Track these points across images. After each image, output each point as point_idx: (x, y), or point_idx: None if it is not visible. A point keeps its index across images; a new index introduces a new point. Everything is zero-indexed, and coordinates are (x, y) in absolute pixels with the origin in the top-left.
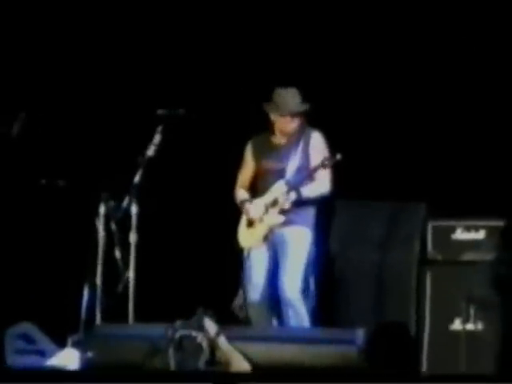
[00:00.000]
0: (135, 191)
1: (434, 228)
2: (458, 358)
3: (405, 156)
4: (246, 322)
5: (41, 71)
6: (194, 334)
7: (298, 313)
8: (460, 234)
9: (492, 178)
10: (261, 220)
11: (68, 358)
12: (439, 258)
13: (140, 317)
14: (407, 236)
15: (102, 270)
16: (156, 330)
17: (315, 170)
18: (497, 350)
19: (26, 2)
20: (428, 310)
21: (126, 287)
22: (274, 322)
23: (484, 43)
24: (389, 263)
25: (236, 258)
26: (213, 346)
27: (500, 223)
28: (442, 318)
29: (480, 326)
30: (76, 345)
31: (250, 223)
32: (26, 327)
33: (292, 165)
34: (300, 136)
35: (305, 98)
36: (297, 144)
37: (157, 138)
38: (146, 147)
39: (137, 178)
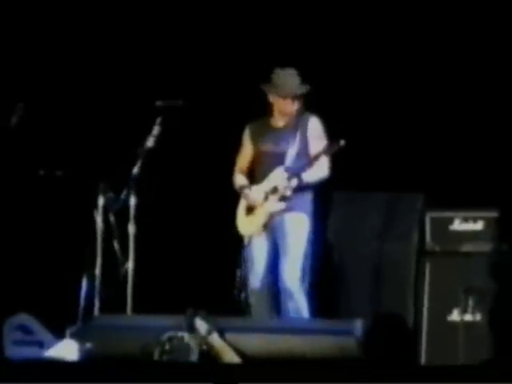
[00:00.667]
0: (134, 183)
1: (432, 219)
2: (456, 348)
3: (403, 147)
4: (246, 307)
5: (39, 62)
6: (180, 334)
7: (297, 303)
8: (458, 225)
9: (490, 168)
10: (261, 207)
11: (66, 349)
12: (437, 248)
13: (138, 308)
14: (405, 227)
15: (101, 261)
16: (154, 320)
17: (317, 156)
18: (495, 341)
19: None
20: (426, 301)
21: (125, 278)
22: (273, 310)
23: (479, 37)
24: (387, 254)
25: (235, 248)
26: (203, 345)
27: (498, 214)
28: (441, 309)
29: (478, 317)
30: (74, 336)
31: (249, 210)
32: (25, 318)
33: (291, 150)
34: (298, 121)
35: (303, 81)
36: (295, 128)
37: (156, 130)
38: (144, 138)
39: (135, 170)
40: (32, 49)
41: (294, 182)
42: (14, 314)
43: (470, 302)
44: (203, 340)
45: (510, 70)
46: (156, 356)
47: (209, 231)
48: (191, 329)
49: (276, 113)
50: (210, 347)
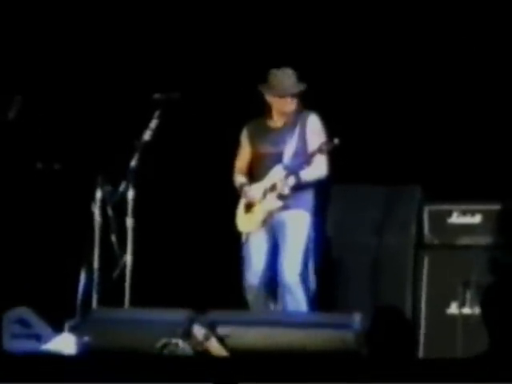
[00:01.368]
0: (132, 176)
1: (431, 212)
2: (454, 341)
3: (401, 140)
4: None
5: (37, 55)
6: (174, 341)
7: (296, 297)
8: (456, 218)
9: (488, 161)
10: (259, 205)
11: (65, 343)
12: (436, 242)
13: (136, 301)
14: (403, 220)
15: (99, 254)
16: (153, 314)
17: (313, 154)
18: (493, 334)
19: None
20: (424, 294)
21: (123, 272)
22: (272, 306)
23: (474, 30)
24: (385, 247)
25: (234, 242)
26: (200, 351)
27: (496, 207)
28: (439, 302)
29: (476, 310)
30: (73, 329)
31: (248, 208)
32: (23, 312)
33: (289, 148)
34: (296, 119)
35: (300, 80)
36: (293, 127)
37: (153, 123)
38: (142, 131)
39: (133, 163)
40: (30, 42)
41: (292, 180)
42: (12, 308)
43: (468, 295)
44: (200, 346)
45: (507, 62)
46: None
47: (207, 225)
48: (187, 335)
49: (274, 112)
50: (208, 353)
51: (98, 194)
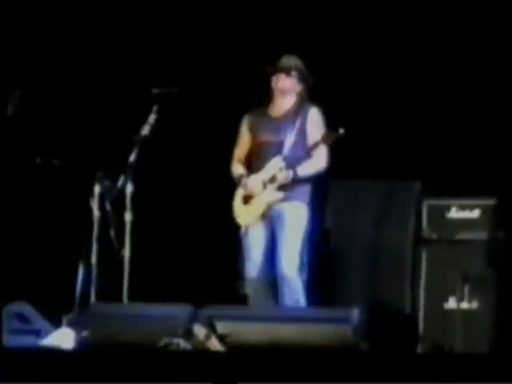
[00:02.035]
0: (130, 170)
1: (429, 206)
2: (452, 336)
3: (399, 134)
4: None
5: (36, 51)
6: (175, 341)
7: (294, 290)
8: (455, 213)
9: (486, 156)
10: (259, 197)
11: (63, 338)
12: (434, 236)
13: (135, 296)
14: (402, 215)
15: (97, 249)
16: (151, 309)
17: (316, 145)
18: (491, 329)
19: None
20: (423, 289)
21: (121, 266)
22: (271, 298)
23: (475, 27)
24: (384, 242)
25: (233, 236)
26: (200, 350)
27: (494, 202)
28: (437, 297)
29: (475, 305)
30: (71, 324)
31: (247, 200)
32: (21, 307)
33: (289, 139)
34: (298, 111)
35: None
36: (294, 118)
37: (152, 117)
38: (141, 126)
39: (132, 158)
40: (29, 37)
41: (291, 172)
42: (10, 303)
43: (467, 290)
44: (201, 345)
45: (506, 59)
46: None
47: (206, 219)
48: (188, 335)
49: (274, 95)
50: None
51: (97, 189)
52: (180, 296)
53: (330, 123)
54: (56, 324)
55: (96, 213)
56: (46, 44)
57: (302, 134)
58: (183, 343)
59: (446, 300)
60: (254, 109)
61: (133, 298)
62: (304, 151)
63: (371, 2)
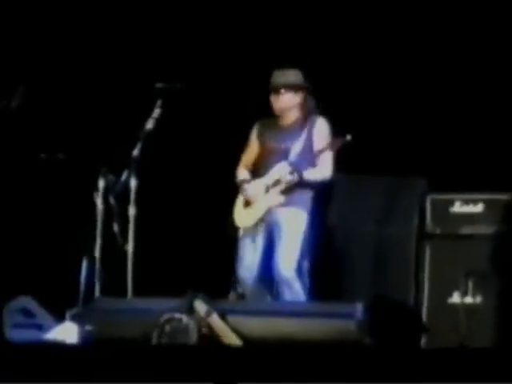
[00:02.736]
0: (134, 165)
1: (433, 201)
2: (456, 331)
3: (404, 129)
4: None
5: (40, 45)
6: (178, 315)
7: (294, 290)
8: (458, 208)
9: (490, 151)
10: (260, 200)
11: (67, 332)
12: (438, 231)
13: (139, 290)
14: (406, 209)
15: (101, 243)
16: (155, 303)
17: (323, 150)
18: (496, 324)
19: None
20: (427, 283)
21: (125, 260)
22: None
23: (477, 23)
24: (388, 237)
25: (236, 230)
26: (203, 327)
27: (498, 196)
28: (441, 291)
29: (478, 299)
30: (75, 318)
31: (247, 203)
32: (25, 301)
33: (296, 146)
34: (305, 121)
35: (306, 71)
36: (302, 127)
37: (156, 112)
38: (144, 121)
39: (136, 152)
40: (32, 32)
41: (296, 177)
42: (14, 297)
43: (470, 285)
44: (203, 322)
45: (508, 53)
46: (154, 339)
47: (209, 214)
48: (190, 311)
49: (277, 112)
50: (210, 329)
51: (101, 183)
52: (184, 290)
53: (336, 121)
54: (60, 318)
55: (100, 207)
56: (50, 39)
57: (309, 142)
58: (186, 319)
59: (450, 295)
60: (265, 118)
61: (137, 292)
62: (310, 159)
63: (376, 3)
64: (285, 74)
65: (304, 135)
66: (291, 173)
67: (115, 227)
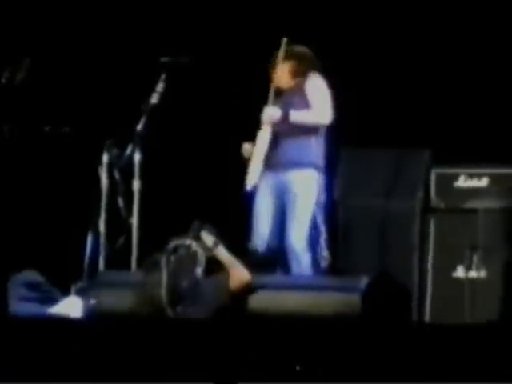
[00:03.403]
0: (138, 139)
1: (438, 175)
2: (461, 305)
3: (408, 103)
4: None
5: (45, 18)
6: (188, 242)
7: (301, 262)
8: (463, 182)
9: (495, 125)
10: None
11: (71, 306)
12: (442, 205)
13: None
14: (411, 183)
15: (106, 217)
16: None
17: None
18: (500, 298)
19: None
20: (431, 258)
21: (130, 234)
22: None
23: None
24: (392, 210)
25: (241, 205)
26: (210, 256)
27: (503, 170)
28: (445, 266)
29: (483, 274)
30: (79, 292)
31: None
32: (30, 275)
33: (289, 100)
34: (301, 81)
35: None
36: (297, 87)
37: (160, 86)
38: (149, 95)
39: (140, 126)
40: (38, 5)
41: (281, 112)
42: (19, 271)
43: (475, 259)
44: (210, 252)
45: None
46: (162, 265)
47: (213, 186)
48: (198, 239)
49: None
50: (217, 260)
51: (105, 158)
52: None
53: (339, 92)
54: (64, 292)
55: (104, 181)
56: (55, 12)
57: (303, 96)
58: (194, 245)
59: (455, 269)
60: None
61: (141, 266)
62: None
63: None
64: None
65: (297, 91)
66: (273, 111)
67: (120, 201)
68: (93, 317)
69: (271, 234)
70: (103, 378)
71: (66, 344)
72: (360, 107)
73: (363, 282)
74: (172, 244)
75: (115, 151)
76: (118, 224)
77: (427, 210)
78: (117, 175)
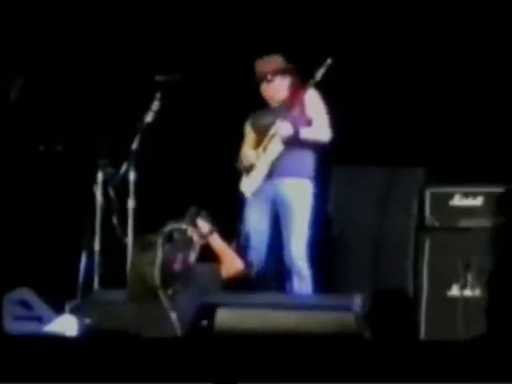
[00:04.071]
0: (133, 158)
1: (432, 194)
2: (455, 323)
3: (403, 122)
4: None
5: (39, 37)
6: (184, 226)
7: (303, 277)
8: (458, 201)
9: (489, 144)
10: (262, 157)
11: (66, 325)
12: (437, 224)
13: None
14: (405, 202)
15: (100, 236)
16: None
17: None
18: (494, 316)
19: None
20: (426, 276)
21: (124, 253)
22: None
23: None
24: (387, 229)
25: (237, 219)
26: (204, 243)
27: (498, 189)
28: (440, 284)
29: (478, 292)
30: (74, 311)
31: (249, 171)
32: (24, 293)
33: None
34: (296, 95)
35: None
36: (293, 100)
37: (155, 104)
38: (144, 113)
39: (135, 145)
40: (31, 23)
41: (291, 127)
42: (13, 289)
43: (470, 278)
44: (204, 239)
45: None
46: (158, 245)
47: (209, 204)
48: (193, 224)
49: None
50: (211, 247)
51: (100, 176)
52: None
53: (334, 108)
54: (59, 311)
55: (99, 199)
56: (48, 30)
57: (301, 110)
58: (190, 230)
59: (449, 287)
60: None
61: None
62: (304, 124)
63: None
64: (267, 61)
65: (296, 107)
66: (287, 127)
67: (114, 220)
68: (87, 335)
69: (268, 249)
70: None
71: (61, 363)
72: (353, 125)
73: (357, 300)
74: (168, 227)
75: (110, 170)
76: (112, 242)
77: (422, 228)
78: (112, 193)
